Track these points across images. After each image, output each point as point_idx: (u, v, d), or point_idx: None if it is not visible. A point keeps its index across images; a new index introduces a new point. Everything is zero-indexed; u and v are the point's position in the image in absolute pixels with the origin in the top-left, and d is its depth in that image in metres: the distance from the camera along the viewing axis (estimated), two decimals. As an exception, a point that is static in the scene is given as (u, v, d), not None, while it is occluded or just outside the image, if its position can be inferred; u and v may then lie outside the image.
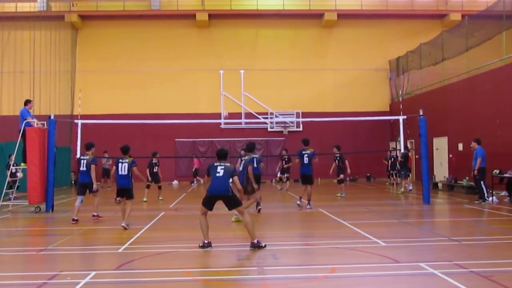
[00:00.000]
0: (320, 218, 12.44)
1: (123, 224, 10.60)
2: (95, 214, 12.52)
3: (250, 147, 12.87)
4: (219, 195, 8.47)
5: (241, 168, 12.06)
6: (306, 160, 14.00)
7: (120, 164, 10.81)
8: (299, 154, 14.24)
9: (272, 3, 30.29)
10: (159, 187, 18.06)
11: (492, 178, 15.93)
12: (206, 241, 8.43)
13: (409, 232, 10.28)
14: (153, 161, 17.92)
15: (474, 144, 15.49)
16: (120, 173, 10.80)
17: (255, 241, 8.30)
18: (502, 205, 14.71)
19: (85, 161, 12.03)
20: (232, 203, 8.51)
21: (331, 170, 18.67)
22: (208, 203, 8.53)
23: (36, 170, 14.08)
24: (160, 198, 17.81)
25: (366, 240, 9.10)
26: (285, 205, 16.29)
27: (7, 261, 7.92)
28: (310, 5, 30.02)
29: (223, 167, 8.54)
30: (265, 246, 8.31)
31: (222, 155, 8.79)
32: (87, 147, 12.34)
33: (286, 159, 21.00)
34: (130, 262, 7.64)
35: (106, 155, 24.83)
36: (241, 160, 12.60)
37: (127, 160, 10.88)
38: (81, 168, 12.10)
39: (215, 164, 8.67)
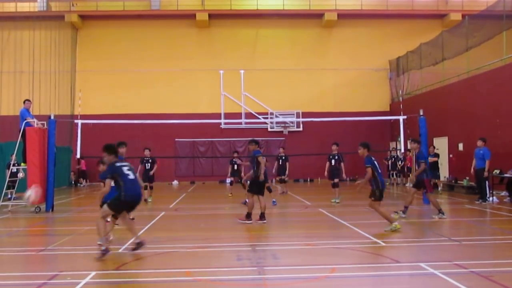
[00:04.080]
0: (320, 218, 12.44)
1: None
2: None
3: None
4: None
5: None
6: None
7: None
8: (424, 157, 12.08)
9: (272, 3, 30.28)
10: (151, 187, 16.42)
11: (492, 178, 15.91)
12: None
13: (409, 232, 10.27)
14: (145, 158, 16.35)
15: (481, 143, 15.06)
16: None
17: None
18: (502, 205, 14.71)
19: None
20: None
21: (326, 172, 16.18)
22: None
23: (36, 170, 14.06)
24: (149, 200, 16.22)
25: (366, 240, 9.10)
26: (284, 205, 16.26)
27: (7, 261, 7.91)
28: (310, 5, 30.02)
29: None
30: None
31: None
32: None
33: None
34: (130, 262, 7.64)
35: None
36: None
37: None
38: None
39: None
